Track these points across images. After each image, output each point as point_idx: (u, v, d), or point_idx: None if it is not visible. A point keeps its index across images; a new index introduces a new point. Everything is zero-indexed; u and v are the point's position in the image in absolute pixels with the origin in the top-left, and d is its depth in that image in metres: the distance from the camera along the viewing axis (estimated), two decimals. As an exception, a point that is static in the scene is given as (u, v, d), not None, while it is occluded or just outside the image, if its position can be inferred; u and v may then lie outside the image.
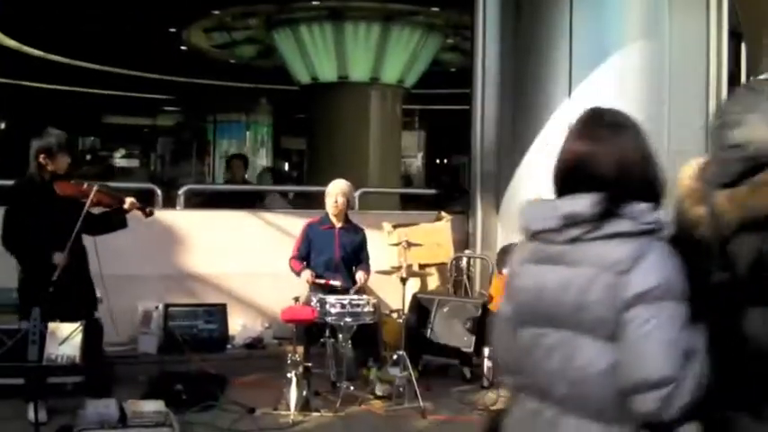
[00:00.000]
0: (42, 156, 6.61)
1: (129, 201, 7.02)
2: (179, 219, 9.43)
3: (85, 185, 6.71)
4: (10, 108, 25.97)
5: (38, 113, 28.31)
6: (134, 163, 30.33)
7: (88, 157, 30.60)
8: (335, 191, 8.14)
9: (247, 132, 27.83)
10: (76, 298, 6.64)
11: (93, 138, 30.87)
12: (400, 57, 17.42)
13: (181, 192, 10.09)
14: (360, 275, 7.96)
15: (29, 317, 5.99)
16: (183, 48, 20.96)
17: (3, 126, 27.45)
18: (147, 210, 7.27)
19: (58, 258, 6.45)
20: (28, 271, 6.63)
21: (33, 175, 6.69)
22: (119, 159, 29.92)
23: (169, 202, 10.23)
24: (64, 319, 6.06)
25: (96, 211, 6.98)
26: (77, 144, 30.00)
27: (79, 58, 22.89)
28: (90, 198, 6.63)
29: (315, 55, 17.30)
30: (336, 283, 7.81)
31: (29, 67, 23.40)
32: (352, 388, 7.26)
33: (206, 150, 28.53)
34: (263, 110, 27.80)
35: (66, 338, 6.99)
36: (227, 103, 27.37)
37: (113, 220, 7.08)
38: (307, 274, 7.82)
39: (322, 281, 7.81)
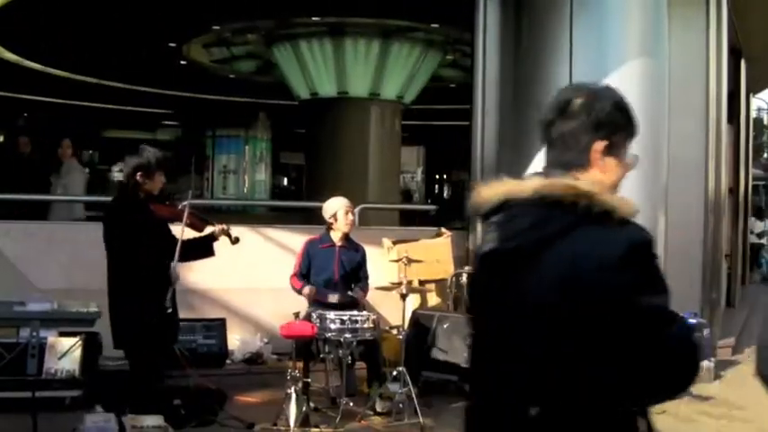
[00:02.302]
0: (140, 174, 6.32)
1: (219, 227, 6.75)
2: (178, 232, 9.41)
3: (180, 206, 6.49)
4: (9, 121, 25.96)
5: (38, 127, 28.40)
6: (132, 177, 30.33)
7: (87, 170, 30.61)
8: (337, 210, 8.10)
9: (246, 147, 27.83)
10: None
11: (91, 152, 30.91)
12: (399, 73, 17.46)
13: (180, 206, 10.06)
14: (357, 295, 7.94)
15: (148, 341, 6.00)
16: (182, 62, 20.99)
17: (1, 139, 27.43)
18: (234, 237, 6.85)
19: (174, 276, 6.26)
20: (139, 292, 6.21)
21: (128, 193, 6.43)
22: (117, 173, 29.94)
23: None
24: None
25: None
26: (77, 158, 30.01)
27: (78, 73, 22.91)
28: (184, 221, 6.40)
29: (314, 70, 17.34)
30: (331, 298, 7.81)
31: (28, 81, 23.43)
32: (351, 404, 7.25)
33: (204, 165, 28.54)
34: (262, 125, 27.81)
35: (65, 352, 7.02)
36: (226, 117, 27.38)
37: (203, 247, 6.76)
38: (307, 289, 7.79)
39: (323, 295, 7.78)
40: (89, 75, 23.16)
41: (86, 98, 26.40)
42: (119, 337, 6.26)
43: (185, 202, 6.68)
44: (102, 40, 18.20)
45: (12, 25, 16.95)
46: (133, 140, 31.29)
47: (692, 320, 8.89)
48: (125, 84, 24.21)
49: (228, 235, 6.78)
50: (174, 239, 6.35)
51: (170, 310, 6.21)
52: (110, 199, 6.94)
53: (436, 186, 34.20)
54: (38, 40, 19.07)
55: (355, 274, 8.05)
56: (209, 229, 6.69)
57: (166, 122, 30.76)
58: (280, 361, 9.00)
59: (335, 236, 8.07)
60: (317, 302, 7.81)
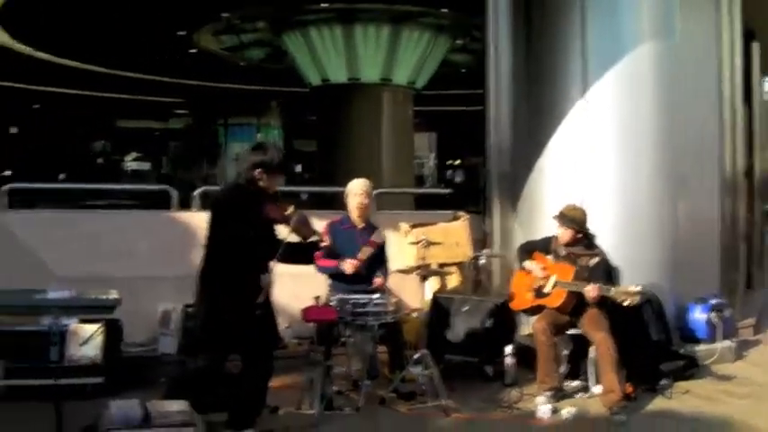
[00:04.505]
0: (259, 170, 6.18)
1: (328, 241, 6.71)
2: (195, 220, 9.40)
3: (289, 211, 6.32)
4: (22, 113, 26.04)
5: (50, 118, 28.46)
6: (145, 166, 30.43)
7: (100, 160, 30.71)
8: (358, 191, 8.03)
9: (258, 135, 27.85)
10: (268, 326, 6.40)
11: (104, 141, 30.98)
12: (410, 58, 17.44)
13: (196, 193, 10.10)
14: (377, 281, 7.87)
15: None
16: (192, 51, 20.98)
17: (15, 130, 27.51)
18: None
19: (265, 281, 6.17)
20: (232, 290, 6.13)
21: (243, 187, 6.30)
22: (130, 162, 30.02)
23: (183, 204, 10.25)
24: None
25: None
26: (90, 148, 30.09)
27: (90, 63, 22.94)
28: (291, 226, 6.24)
29: (325, 57, 17.32)
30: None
31: (40, 72, 23.48)
32: (374, 387, 7.23)
33: (217, 153, 28.56)
34: (274, 112, 27.82)
35: (87, 339, 7.02)
36: (238, 105, 27.40)
37: (304, 254, 6.64)
38: (348, 262, 7.68)
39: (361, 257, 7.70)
40: (100, 65, 23.18)
41: (98, 88, 26.43)
42: (208, 329, 6.25)
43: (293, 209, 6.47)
44: (112, 30, 18.21)
45: (22, 17, 16.96)
46: (145, 130, 31.43)
47: (713, 301, 8.88)
48: (136, 73, 24.22)
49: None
50: (277, 242, 6.22)
51: (259, 312, 6.15)
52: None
53: (448, 172, 34.15)
54: (48, 31, 19.09)
55: (377, 256, 7.99)
56: (313, 239, 6.53)
57: (178, 111, 30.77)
58: (300, 345, 8.98)
59: (354, 218, 8.03)
60: (339, 280, 7.70)
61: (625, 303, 7.06)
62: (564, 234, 7.60)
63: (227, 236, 6.10)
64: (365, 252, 7.74)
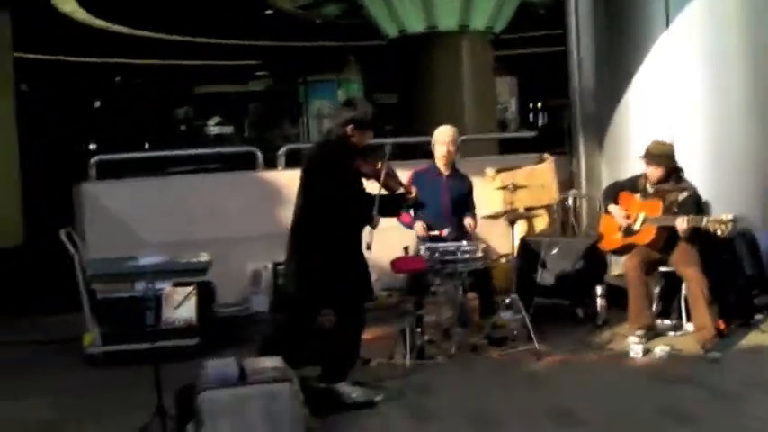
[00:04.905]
0: (352, 126, 6.19)
1: (415, 192, 6.61)
2: (281, 178, 9.49)
3: (379, 165, 6.30)
4: (104, 87, 26.43)
5: (131, 90, 28.88)
6: (227, 130, 30.71)
7: (183, 127, 31.07)
8: (445, 139, 7.95)
9: (339, 91, 27.87)
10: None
11: (186, 108, 31.33)
12: (488, 2, 17.14)
13: (281, 152, 10.18)
14: (468, 221, 7.82)
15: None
16: (268, 12, 21.00)
17: (98, 104, 27.96)
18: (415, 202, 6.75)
19: (376, 220, 6.17)
20: (324, 246, 6.13)
21: (334, 144, 6.31)
22: (212, 127, 30.31)
23: (268, 165, 10.34)
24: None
25: None
26: (173, 115, 30.44)
27: (166, 32, 23.15)
28: (381, 181, 6.23)
29: (401, 7, 17.12)
30: (446, 232, 7.66)
31: (118, 46, 23.77)
32: (465, 334, 7.24)
33: (299, 112, 28.69)
34: (353, 67, 27.79)
35: (181, 302, 7.14)
36: (317, 63, 27.43)
37: (392, 206, 6.57)
38: (419, 226, 7.66)
39: (435, 232, 7.66)
40: (177, 33, 23.38)
41: (176, 57, 26.68)
42: (301, 285, 6.27)
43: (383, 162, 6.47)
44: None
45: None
46: (226, 94, 31.69)
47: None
48: (214, 39, 24.37)
49: (416, 205, 6.75)
50: (369, 197, 6.20)
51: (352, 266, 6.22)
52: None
53: (530, 115, 33.84)
54: (123, 4, 19.29)
55: (464, 203, 7.94)
56: (400, 191, 6.51)
57: (258, 73, 30.93)
58: (390, 297, 9.03)
59: (441, 166, 7.98)
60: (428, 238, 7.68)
61: (718, 233, 6.91)
62: (654, 172, 7.45)
63: (318, 192, 6.12)
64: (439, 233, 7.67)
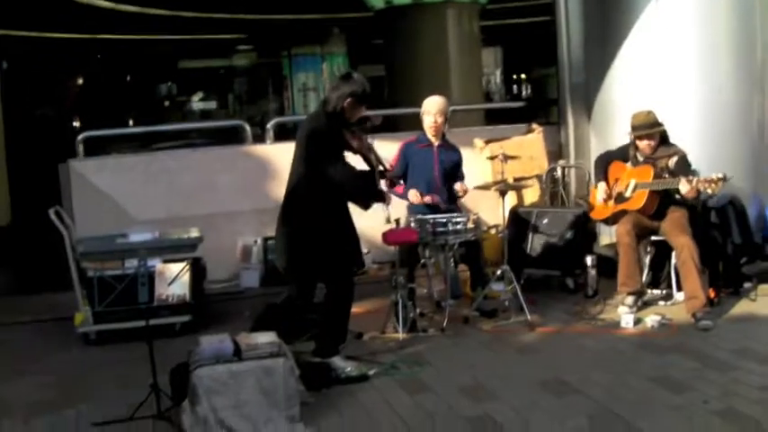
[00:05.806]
0: (350, 100, 6.14)
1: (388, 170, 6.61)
2: (270, 152, 9.47)
3: (365, 139, 6.30)
4: (87, 62, 26.20)
5: (115, 65, 28.66)
6: (212, 105, 30.60)
7: (166, 103, 30.88)
8: (434, 109, 7.91)
9: (323, 64, 27.74)
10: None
11: (169, 83, 31.13)
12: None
13: (269, 125, 10.13)
14: (458, 186, 7.78)
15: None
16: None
17: (81, 81, 27.72)
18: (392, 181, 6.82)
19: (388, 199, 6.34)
20: (314, 217, 6.11)
21: (329, 115, 6.18)
22: (197, 103, 30.17)
23: (256, 139, 10.31)
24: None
25: None
26: (155, 92, 30.22)
27: (149, 5, 22.95)
28: (371, 157, 6.26)
29: (387, -22, 17.04)
30: (438, 200, 7.64)
31: (102, 21, 23.55)
32: (456, 306, 7.24)
33: (283, 85, 28.54)
34: (338, 40, 27.65)
35: (174, 278, 7.12)
36: (301, 36, 27.27)
37: (372, 184, 6.44)
38: (413, 193, 7.61)
39: (428, 199, 7.62)
40: (159, 7, 23.19)
41: (159, 31, 26.47)
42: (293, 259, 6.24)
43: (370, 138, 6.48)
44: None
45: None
46: (210, 69, 31.51)
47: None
48: (196, 12, 24.18)
49: (390, 182, 6.73)
50: (364, 172, 6.24)
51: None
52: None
53: (515, 86, 33.77)
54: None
55: (454, 173, 7.91)
56: (380, 169, 6.43)
57: (241, 48, 30.74)
58: (381, 270, 9.04)
59: (430, 136, 7.95)
60: (421, 206, 7.64)
61: (709, 192, 6.93)
62: (648, 145, 7.44)
63: (311, 164, 6.08)
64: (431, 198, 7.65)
